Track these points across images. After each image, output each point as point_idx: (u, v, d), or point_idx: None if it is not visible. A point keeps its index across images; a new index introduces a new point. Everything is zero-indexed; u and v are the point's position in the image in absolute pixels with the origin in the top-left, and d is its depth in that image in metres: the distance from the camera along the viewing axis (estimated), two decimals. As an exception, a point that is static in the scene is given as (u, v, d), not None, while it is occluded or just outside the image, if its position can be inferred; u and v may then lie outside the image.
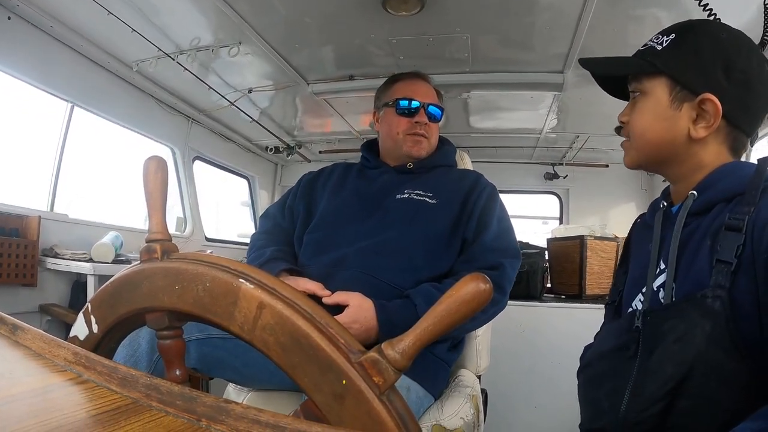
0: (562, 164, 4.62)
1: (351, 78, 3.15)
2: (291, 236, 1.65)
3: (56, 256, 2.63)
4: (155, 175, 0.69)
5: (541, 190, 4.87)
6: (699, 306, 0.80)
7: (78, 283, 2.82)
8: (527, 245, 3.35)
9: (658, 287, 0.94)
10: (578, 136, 4.00)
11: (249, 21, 2.47)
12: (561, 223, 4.75)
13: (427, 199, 1.55)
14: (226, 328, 0.59)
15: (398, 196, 1.57)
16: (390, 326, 1.28)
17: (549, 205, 4.94)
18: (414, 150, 1.64)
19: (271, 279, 0.58)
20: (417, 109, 1.64)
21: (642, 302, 0.98)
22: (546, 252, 3.40)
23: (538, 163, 4.72)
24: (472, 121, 3.93)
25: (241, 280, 0.58)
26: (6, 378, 0.54)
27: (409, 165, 1.67)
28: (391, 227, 1.49)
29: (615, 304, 1.12)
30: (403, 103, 1.65)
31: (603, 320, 1.17)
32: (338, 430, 0.43)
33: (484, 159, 4.57)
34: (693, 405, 0.79)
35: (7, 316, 0.68)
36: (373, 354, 0.52)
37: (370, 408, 0.50)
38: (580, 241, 3.09)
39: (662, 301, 0.91)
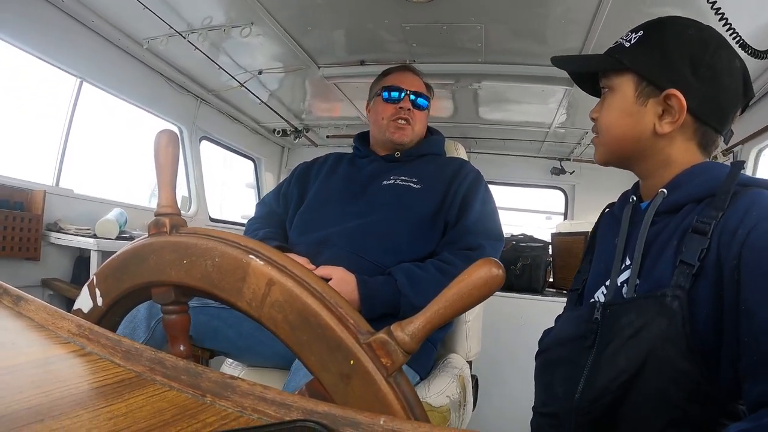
0: (569, 160, 4.59)
1: (362, 63, 3.13)
2: (284, 220, 1.72)
3: (60, 230, 2.63)
4: (166, 149, 0.68)
5: (547, 184, 4.85)
6: (657, 303, 0.81)
7: (81, 259, 2.83)
8: (531, 239, 3.34)
9: (622, 283, 0.95)
10: (587, 132, 3.96)
11: (262, 1, 2.45)
12: (566, 218, 4.73)
13: (412, 185, 1.60)
14: (233, 304, 0.58)
15: (384, 182, 1.62)
16: (371, 300, 1.33)
17: (554, 199, 4.92)
18: (396, 135, 1.69)
19: (281, 256, 0.57)
20: (401, 97, 1.70)
21: (605, 295, 0.99)
22: (550, 246, 3.39)
23: (545, 158, 4.69)
24: (482, 112, 3.91)
25: (251, 256, 0.57)
26: (8, 348, 0.54)
27: (397, 154, 1.72)
28: (376, 211, 1.54)
29: (578, 291, 1.13)
30: (389, 91, 1.72)
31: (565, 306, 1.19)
32: (345, 409, 0.42)
33: (492, 151, 4.57)
34: (644, 399, 0.80)
35: (10, 287, 0.68)
36: (382, 335, 0.51)
37: (377, 389, 0.50)
38: (585, 237, 3.08)
39: (625, 296, 0.92)
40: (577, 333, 0.97)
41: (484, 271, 0.51)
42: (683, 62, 0.92)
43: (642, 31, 0.98)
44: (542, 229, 4.79)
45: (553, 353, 1.04)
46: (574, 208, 4.70)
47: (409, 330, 0.51)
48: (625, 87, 0.97)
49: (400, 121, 1.68)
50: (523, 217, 5.28)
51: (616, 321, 0.87)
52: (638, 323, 0.83)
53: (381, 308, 1.34)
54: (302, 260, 1.39)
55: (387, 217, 1.52)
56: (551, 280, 3.45)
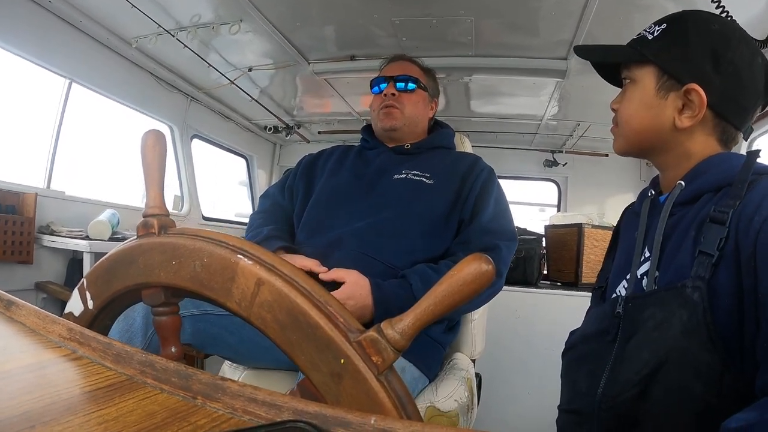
0: (561, 152, 4.62)
1: (352, 58, 3.14)
2: (290, 215, 1.66)
3: (52, 233, 2.62)
4: (153, 148, 0.68)
5: (540, 177, 4.87)
6: (678, 295, 0.81)
7: (74, 261, 2.82)
8: (525, 231, 3.35)
9: (642, 275, 0.95)
10: (579, 124, 3.99)
11: (250, -2, 2.44)
12: (559, 210, 4.75)
13: (424, 180, 1.55)
14: (222, 304, 0.58)
15: (395, 177, 1.57)
16: (385, 305, 1.28)
17: (547, 192, 4.94)
18: (385, 122, 1.66)
19: (269, 255, 0.57)
20: (386, 86, 1.69)
21: (626, 289, 0.99)
22: (543, 239, 3.40)
23: (537, 150, 4.71)
24: (473, 106, 3.92)
25: (239, 255, 0.57)
26: (0, 353, 0.53)
27: (407, 146, 1.68)
28: (388, 207, 1.49)
29: (602, 289, 1.13)
30: (375, 84, 1.72)
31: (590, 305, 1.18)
32: (335, 408, 0.42)
33: (484, 144, 4.58)
34: (667, 392, 0.80)
35: (1, 291, 0.68)
36: (372, 333, 0.51)
37: (368, 388, 0.50)
38: (578, 229, 3.09)
39: (645, 288, 0.92)
40: (599, 328, 0.97)
41: (474, 267, 0.51)
42: (705, 57, 0.91)
43: (665, 24, 0.97)
44: (535, 221, 4.81)
45: (578, 350, 1.04)
46: (567, 200, 4.72)
47: (399, 327, 0.51)
48: (646, 79, 0.97)
49: (386, 108, 1.66)
50: (517, 209, 5.28)
51: (638, 314, 0.87)
52: (660, 316, 0.83)
53: (395, 313, 1.30)
54: (312, 262, 1.34)
55: (400, 214, 1.47)
56: (545, 272, 3.46)
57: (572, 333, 1.12)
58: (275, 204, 1.71)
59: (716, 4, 1.66)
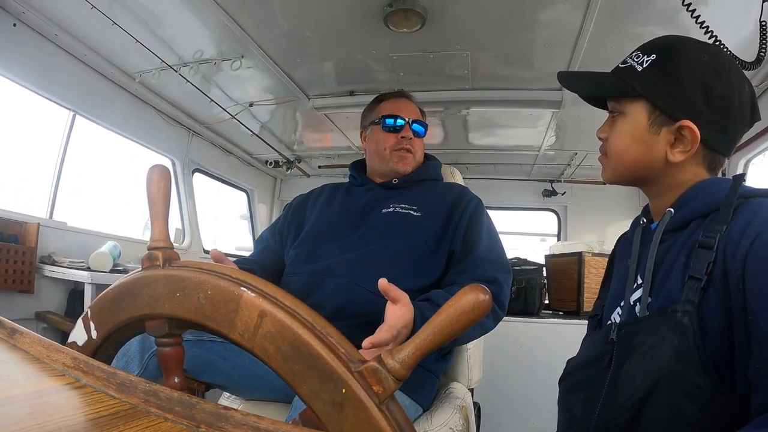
0: (560, 181, 4.64)
1: (351, 93, 3.19)
2: (280, 255, 1.68)
3: (54, 263, 2.63)
4: (158, 183, 0.69)
5: (539, 206, 4.89)
6: (668, 320, 0.82)
7: (75, 292, 2.81)
8: (525, 261, 3.35)
9: (635, 301, 0.96)
10: (576, 154, 4.03)
11: (252, 35, 2.50)
12: (559, 239, 4.75)
13: (412, 212, 1.57)
14: (226, 336, 0.59)
15: (383, 211, 1.59)
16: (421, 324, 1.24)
17: (547, 221, 4.95)
18: (400, 166, 1.67)
19: (272, 288, 0.58)
20: (402, 126, 1.68)
21: (620, 315, 0.99)
22: (544, 268, 3.40)
23: (536, 180, 4.74)
24: (471, 138, 3.97)
25: (242, 288, 0.58)
26: (4, 380, 0.54)
27: (394, 181, 1.69)
28: (376, 240, 1.51)
29: (597, 317, 1.13)
30: (389, 120, 1.70)
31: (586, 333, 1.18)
32: (337, 437, 0.43)
33: (483, 176, 4.61)
34: (659, 416, 0.80)
35: (5, 319, 0.68)
36: (372, 363, 0.52)
37: (369, 416, 0.50)
38: (578, 257, 3.10)
39: (638, 314, 0.92)
40: (594, 355, 0.97)
41: (471, 296, 0.52)
42: (696, 91, 0.91)
43: (654, 55, 0.96)
44: (536, 252, 4.81)
45: (575, 377, 1.05)
46: (567, 229, 4.73)
47: (399, 357, 0.52)
48: (637, 114, 0.97)
49: (402, 151, 1.66)
50: (517, 240, 5.28)
51: (630, 340, 0.87)
52: (651, 341, 0.83)
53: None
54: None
55: (387, 245, 1.48)
56: (547, 301, 3.45)
57: (569, 361, 1.12)
58: (267, 246, 1.72)
59: (705, 30, 1.68)
